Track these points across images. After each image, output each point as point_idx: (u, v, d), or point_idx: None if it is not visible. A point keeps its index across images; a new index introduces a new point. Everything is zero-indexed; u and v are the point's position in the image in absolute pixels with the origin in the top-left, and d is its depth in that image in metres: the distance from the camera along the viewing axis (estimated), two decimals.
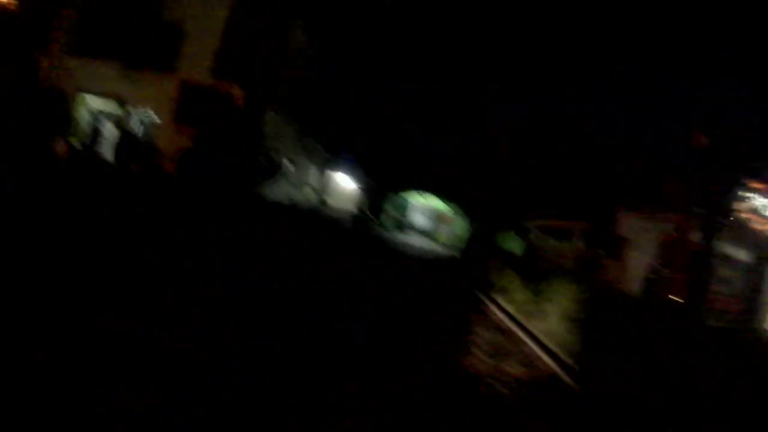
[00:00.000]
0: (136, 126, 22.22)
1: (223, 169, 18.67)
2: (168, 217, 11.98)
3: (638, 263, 20.31)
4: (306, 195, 28.56)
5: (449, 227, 35.40)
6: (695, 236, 16.42)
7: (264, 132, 21.12)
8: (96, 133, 23.32)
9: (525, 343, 8.28)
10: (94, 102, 23.81)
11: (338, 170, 36.48)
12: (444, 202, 34.62)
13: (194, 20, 21.52)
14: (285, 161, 24.41)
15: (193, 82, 20.73)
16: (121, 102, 22.29)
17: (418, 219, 35.88)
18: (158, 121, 21.57)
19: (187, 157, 19.44)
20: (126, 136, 20.85)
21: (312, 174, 31.44)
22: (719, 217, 15.42)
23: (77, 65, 22.41)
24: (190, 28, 21.56)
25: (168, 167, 19.75)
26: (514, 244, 28.20)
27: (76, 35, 22.97)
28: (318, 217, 24.49)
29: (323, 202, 33.33)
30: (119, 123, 22.15)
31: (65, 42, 23.21)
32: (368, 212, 31.11)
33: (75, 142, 21.22)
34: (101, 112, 24.07)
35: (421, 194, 34.47)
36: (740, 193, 16.26)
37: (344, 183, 37.44)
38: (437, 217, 36.29)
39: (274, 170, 22.10)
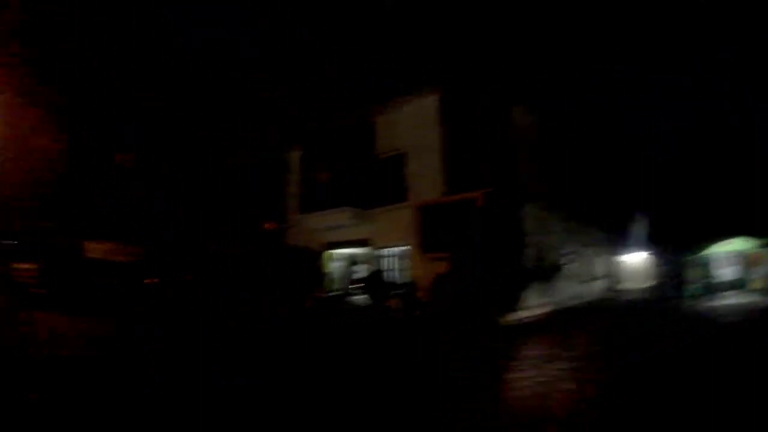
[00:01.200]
0: (385, 264, 20.83)
1: (484, 284, 15.80)
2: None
3: None
4: (595, 287, 24.46)
5: (763, 267, 27.90)
6: None
7: (526, 231, 18.00)
8: (349, 280, 22.66)
9: None
10: (340, 251, 23.38)
11: (626, 250, 32.83)
12: (749, 240, 27.64)
13: (410, 143, 20.61)
14: (563, 257, 20.83)
15: (429, 203, 18.84)
16: (365, 244, 21.21)
17: (724, 272, 29.03)
18: (405, 252, 19.84)
19: (442, 282, 17.15)
20: (375, 276, 19.59)
21: (597, 262, 27.41)
22: None
23: (313, 221, 22.22)
24: (409, 151, 20.63)
25: (425, 297, 17.65)
26: None
27: (304, 193, 23.21)
28: (609, 309, 20.10)
29: (616, 290, 29.09)
30: (369, 265, 21.10)
31: (298, 202, 23.54)
32: (668, 286, 25.81)
33: (327, 293, 20.59)
34: (349, 258, 23.54)
35: (721, 243, 27.98)
36: None
37: (635, 261, 33.30)
38: (745, 260, 29.00)
39: (548, 271, 18.72)
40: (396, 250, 20.71)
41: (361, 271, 22.18)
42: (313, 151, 23.68)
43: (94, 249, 18.84)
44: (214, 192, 26.28)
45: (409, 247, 19.77)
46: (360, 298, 19.55)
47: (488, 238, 17.04)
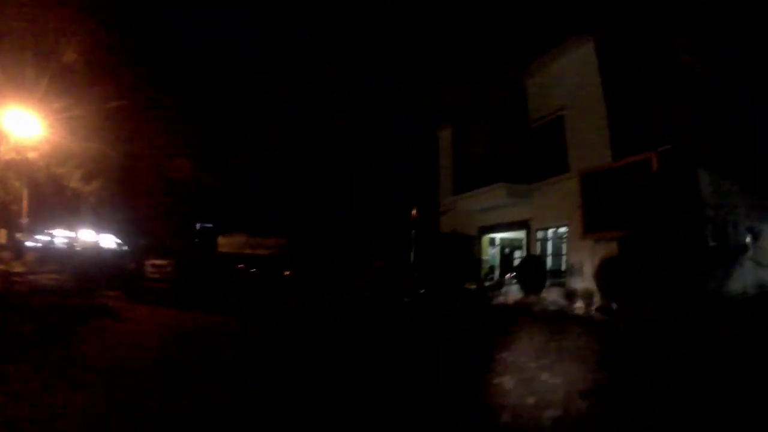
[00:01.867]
0: (546, 248, 17.88)
1: (659, 271, 12.16)
2: None
3: None
4: None
5: None
6: None
7: (703, 202, 13.50)
8: (506, 267, 20.02)
9: None
10: (498, 235, 20.86)
11: None
12: None
13: (567, 103, 17.16)
14: (744, 234, 15.37)
15: (593, 171, 15.47)
16: (523, 226, 18.45)
17: None
18: (567, 234, 16.69)
19: (610, 268, 13.87)
20: (529, 264, 16.83)
21: None
22: None
23: (467, 202, 19.98)
24: (567, 114, 17.21)
25: (590, 287, 14.47)
26: None
27: (457, 172, 21.14)
28: None
29: None
30: (526, 251, 18.32)
31: (451, 183, 21.54)
32: None
33: (481, 283, 18.21)
34: (507, 243, 20.89)
35: None
36: None
37: None
38: None
39: (731, 253, 13.92)
40: (557, 231, 17.65)
41: (520, 257, 19.47)
42: (464, 127, 21.42)
43: (229, 243, 18.72)
44: (360, 180, 25.33)
45: (568, 228, 16.60)
46: (516, 288, 16.99)
47: (665, 212, 13.31)
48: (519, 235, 19.74)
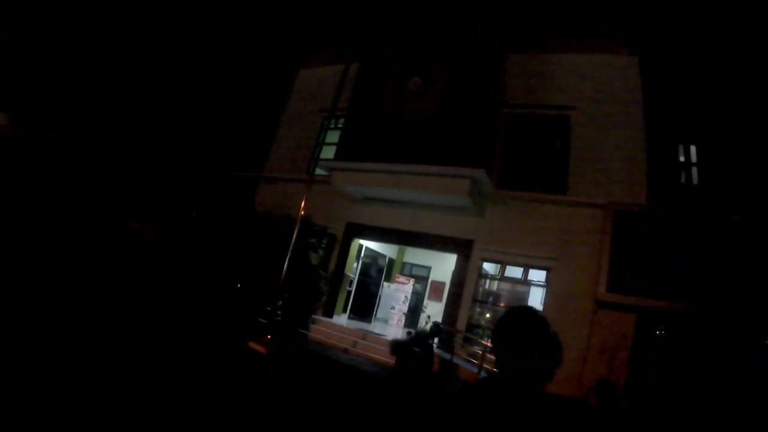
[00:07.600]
0: (481, 290, 11.61)
1: None
2: None
3: None
4: None
5: None
6: None
7: None
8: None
9: None
10: (376, 245, 13.70)
11: None
12: None
13: (580, 106, 11.86)
14: None
15: (632, 210, 10.36)
16: (458, 247, 11.96)
17: None
18: (545, 280, 10.86)
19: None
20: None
21: None
22: None
23: (354, 178, 13.26)
24: (574, 118, 11.79)
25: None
26: None
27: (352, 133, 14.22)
28: None
29: None
30: (463, 285, 11.89)
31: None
32: None
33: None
34: (370, 259, 13.79)
35: None
36: None
37: None
38: None
39: None
40: (527, 271, 11.22)
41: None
42: (387, 70, 12.91)
43: None
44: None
45: (549, 272, 10.74)
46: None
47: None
48: (421, 257, 12.71)
